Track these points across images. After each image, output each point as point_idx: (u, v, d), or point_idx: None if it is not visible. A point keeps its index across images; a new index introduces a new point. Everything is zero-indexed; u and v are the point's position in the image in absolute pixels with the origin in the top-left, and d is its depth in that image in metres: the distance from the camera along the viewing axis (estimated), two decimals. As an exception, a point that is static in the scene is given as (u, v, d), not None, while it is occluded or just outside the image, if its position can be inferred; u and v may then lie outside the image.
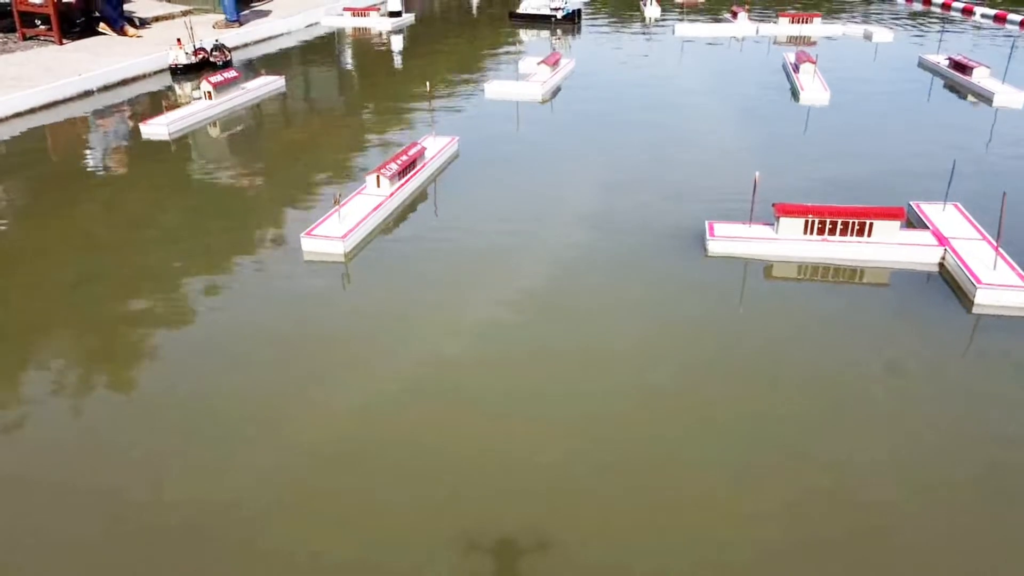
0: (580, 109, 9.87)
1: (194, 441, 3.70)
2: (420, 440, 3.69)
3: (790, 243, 5.41)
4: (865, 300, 5.10)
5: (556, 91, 10.71)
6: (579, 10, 16.45)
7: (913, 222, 5.79)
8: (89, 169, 7.79)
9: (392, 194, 6.38)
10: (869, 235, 5.36)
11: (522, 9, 16.97)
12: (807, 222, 5.38)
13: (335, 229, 5.64)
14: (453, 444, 3.66)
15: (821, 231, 5.40)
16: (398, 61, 14.16)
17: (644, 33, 16.24)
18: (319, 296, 5.07)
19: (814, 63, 10.46)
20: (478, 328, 4.67)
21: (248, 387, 4.12)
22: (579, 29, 16.17)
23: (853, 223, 5.35)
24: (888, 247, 5.33)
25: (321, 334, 4.60)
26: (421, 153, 7.10)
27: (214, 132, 9.09)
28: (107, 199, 6.95)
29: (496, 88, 10.34)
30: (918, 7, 18.96)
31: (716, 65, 12.53)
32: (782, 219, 5.41)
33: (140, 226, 6.26)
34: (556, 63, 11.18)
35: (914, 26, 16.33)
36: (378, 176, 6.39)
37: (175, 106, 9.42)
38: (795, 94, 10.19)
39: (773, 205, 5.49)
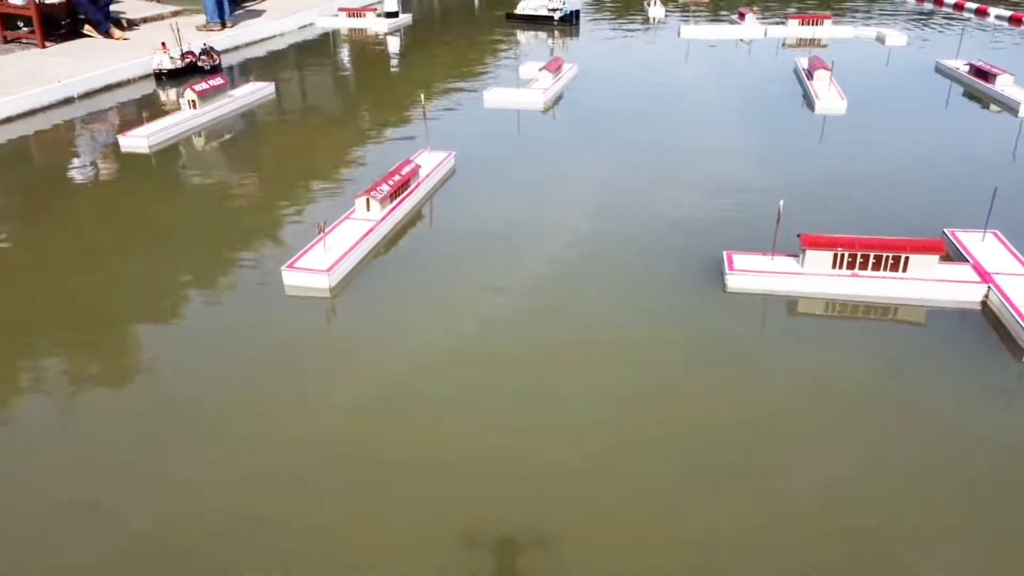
0: (584, 119, 9.38)
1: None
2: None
3: (817, 278, 4.94)
4: (900, 342, 4.64)
5: (558, 98, 10.24)
6: (577, 12, 15.98)
7: (950, 253, 5.31)
8: (57, 188, 7.28)
9: (383, 218, 5.91)
10: (904, 270, 4.89)
11: (519, 10, 16.50)
12: (836, 255, 4.91)
13: (320, 261, 5.17)
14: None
15: (851, 265, 4.93)
16: (394, 64, 13.67)
17: (648, 35, 15.75)
18: (299, 343, 4.60)
19: (829, 70, 9.98)
20: (476, 382, 4.20)
21: (205, 463, 3.66)
22: (577, 31, 15.68)
23: (886, 257, 4.88)
24: (925, 284, 4.86)
25: (297, 395, 4.10)
26: (415, 172, 6.62)
27: (198, 144, 8.61)
28: (70, 226, 6.41)
29: (495, 96, 9.86)
30: (929, 7, 18.46)
31: (724, 70, 12.04)
32: (808, 252, 4.93)
33: (102, 257, 5.75)
34: (558, 69, 10.70)
35: (927, 27, 15.84)
36: (368, 199, 5.92)
37: (164, 113, 8.93)
38: (810, 102, 9.70)
39: (799, 236, 5.02)
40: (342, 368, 4.32)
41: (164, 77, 11.12)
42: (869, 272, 4.93)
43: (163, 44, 11.21)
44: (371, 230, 5.72)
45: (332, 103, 10.57)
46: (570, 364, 4.34)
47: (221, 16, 14.15)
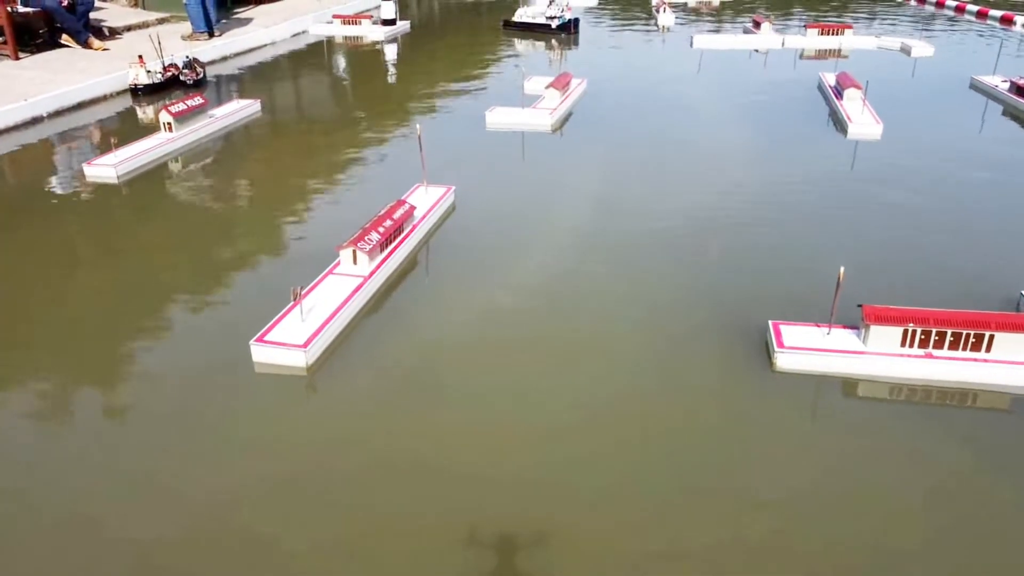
0: (595, 143, 8.61)
1: None
2: None
3: (883, 359, 4.16)
4: (982, 435, 3.86)
5: (567, 117, 9.47)
6: (576, 20, 15.21)
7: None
8: (5, 227, 6.45)
9: (372, 273, 5.13)
10: (988, 350, 4.12)
11: (517, 17, 15.75)
12: (906, 332, 4.13)
13: (295, 333, 4.39)
14: None
15: (924, 343, 4.15)
16: (391, 76, 12.90)
17: (660, 44, 14.99)
18: (266, 440, 3.82)
19: (861, 88, 9.20)
20: (481, 483, 3.43)
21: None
22: (576, 40, 14.92)
23: (967, 335, 4.10)
24: (1016, 368, 4.08)
25: (249, 535, 3.32)
26: (409, 214, 5.85)
27: (173, 172, 7.82)
28: (8, 278, 5.61)
29: (498, 117, 9.09)
30: (950, 14, 17.69)
31: (743, 85, 11.25)
32: (873, 327, 4.15)
33: (30, 326, 4.92)
34: (566, 86, 9.93)
35: (951, 36, 15.07)
36: (354, 251, 5.14)
37: (138, 136, 8.14)
38: (840, 125, 8.92)
39: (861, 308, 4.24)
40: (317, 473, 3.54)
41: (141, 93, 10.34)
42: (946, 352, 4.15)
43: (140, 57, 10.42)
44: (357, 288, 4.94)
45: (322, 123, 9.78)
46: (587, 447, 3.59)
47: (208, 25, 13.37)
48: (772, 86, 11.20)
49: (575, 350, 4.52)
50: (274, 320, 4.50)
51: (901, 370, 4.15)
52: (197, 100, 8.72)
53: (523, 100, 9.25)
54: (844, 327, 4.38)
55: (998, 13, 16.42)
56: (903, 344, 4.17)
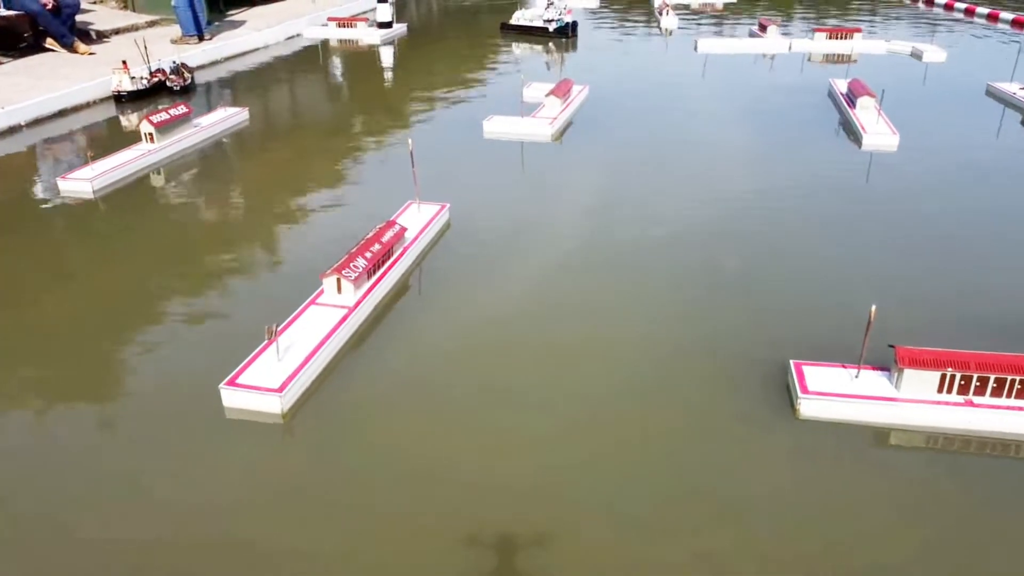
0: (597, 153, 8.21)
1: None
2: None
3: (919, 407, 3.76)
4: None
5: (568, 125, 9.08)
6: (575, 23, 14.81)
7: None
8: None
9: (358, 303, 4.74)
10: (1034, 397, 3.72)
11: (515, 20, 15.35)
12: (944, 377, 3.74)
13: (270, 374, 4.00)
14: None
15: (964, 389, 3.76)
16: (386, 82, 12.48)
17: (663, 48, 14.59)
18: (236, 493, 3.43)
19: (875, 97, 8.80)
20: (475, 547, 3.04)
21: None
22: (575, 44, 14.52)
23: (1013, 381, 3.71)
24: (1065, 417, 3.70)
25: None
26: (399, 236, 5.45)
27: (153, 186, 7.44)
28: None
29: (496, 126, 8.69)
30: (959, 16, 17.29)
31: (750, 91, 10.85)
32: (907, 371, 3.76)
33: None
34: (567, 93, 9.53)
35: (962, 40, 14.66)
36: (339, 279, 4.75)
37: (120, 146, 7.75)
38: (854, 135, 8.52)
39: (894, 350, 3.85)
40: (291, 534, 3.14)
41: (125, 100, 9.94)
42: (988, 399, 3.76)
43: (124, 63, 10.02)
44: (342, 321, 4.54)
45: (313, 132, 9.37)
46: (598, 514, 3.20)
47: (198, 28, 12.97)
48: (780, 93, 10.80)
49: (579, 401, 4.12)
50: (248, 359, 4.10)
51: (938, 419, 3.76)
52: (181, 109, 8.32)
53: (522, 108, 8.84)
54: (873, 368, 3.98)
55: (1009, 16, 16.02)
56: (940, 390, 3.78)
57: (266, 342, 4.09)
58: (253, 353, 4.15)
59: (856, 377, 3.93)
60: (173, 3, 12.68)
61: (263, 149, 8.75)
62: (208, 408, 3.93)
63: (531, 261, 5.64)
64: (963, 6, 17.68)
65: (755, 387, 4.10)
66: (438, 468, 3.55)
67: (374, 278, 5.02)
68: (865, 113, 8.71)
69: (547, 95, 9.25)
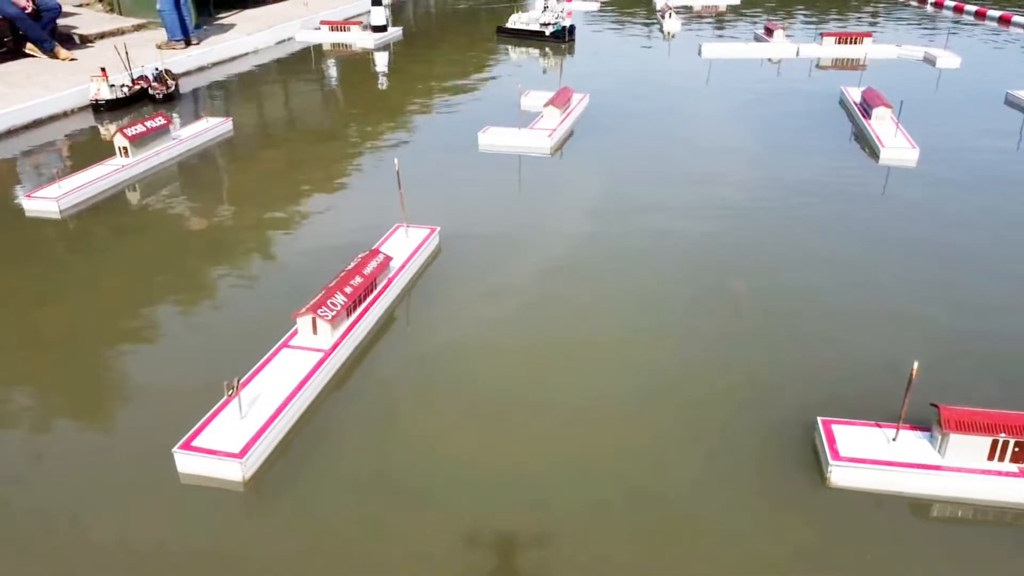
0: (599, 167, 7.78)
1: None
2: None
3: (968, 477, 3.31)
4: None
5: (568, 136, 8.64)
6: (572, 27, 14.36)
7: None
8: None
9: (336, 345, 4.29)
10: (1100, 467, 3.27)
11: (511, 24, 14.91)
12: (997, 444, 3.29)
13: (231, 435, 3.54)
14: None
15: (1019, 457, 3.31)
16: (379, 88, 12.02)
17: (666, 53, 14.15)
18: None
19: (891, 107, 8.35)
20: None
21: None
22: (572, 49, 14.08)
23: (1074, 448, 3.26)
24: None
25: None
26: (384, 267, 5.00)
27: (126, 203, 6.99)
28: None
29: (492, 138, 8.25)
30: (969, 19, 16.85)
31: (758, 100, 10.40)
32: (953, 436, 3.31)
33: None
34: (567, 103, 9.08)
35: (974, 43, 14.21)
36: (314, 318, 4.29)
37: (94, 161, 7.30)
38: (870, 147, 8.07)
39: (937, 411, 3.39)
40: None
41: (104, 109, 9.49)
42: (1047, 468, 3.31)
43: (103, 70, 9.57)
44: (317, 366, 4.09)
45: (300, 145, 8.90)
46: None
47: (184, 33, 12.52)
48: (789, 101, 10.35)
49: (580, 449, 3.67)
50: (207, 416, 3.65)
51: (989, 490, 3.31)
52: (158, 120, 7.87)
53: (520, 117, 8.38)
54: (912, 427, 3.53)
55: (1022, 19, 15.57)
56: (991, 457, 3.33)
57: (224, 399, 3.63)
58: (213, 409, 3.69)
59: (894, 440, 3.47)
60: (158, 7, 12.22)
61: (246, 163, 8.29)
62: (162, 473, 3.48)
63: (528, 293, 5.18)
64: (973, 8, 17.23)
65: (777, 448, 3.65)
66: (425, 545, 3.10)
67: (355, 315, 4.57)
68: (881, 124, 8.26)
69: (545, 105, 8.80)
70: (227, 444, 3.47)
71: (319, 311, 4.28)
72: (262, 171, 7.91)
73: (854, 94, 9.54)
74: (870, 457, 3.39)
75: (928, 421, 3.53)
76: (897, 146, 7.74)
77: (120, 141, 7.39)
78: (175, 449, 3.46)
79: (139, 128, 7.57)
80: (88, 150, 8.27)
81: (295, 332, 4.36)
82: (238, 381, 3.58)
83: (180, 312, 5.01)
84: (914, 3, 19.47)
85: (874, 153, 7.88)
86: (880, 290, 5.18)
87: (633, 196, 6.92)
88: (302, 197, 6.97)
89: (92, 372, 4.38)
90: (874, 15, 18.12)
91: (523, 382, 4.22)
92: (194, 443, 3.49)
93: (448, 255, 5.76)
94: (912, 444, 3.47)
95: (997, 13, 16.37)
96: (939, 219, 6.42)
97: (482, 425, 3.84)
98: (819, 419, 3.64)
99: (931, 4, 18.89)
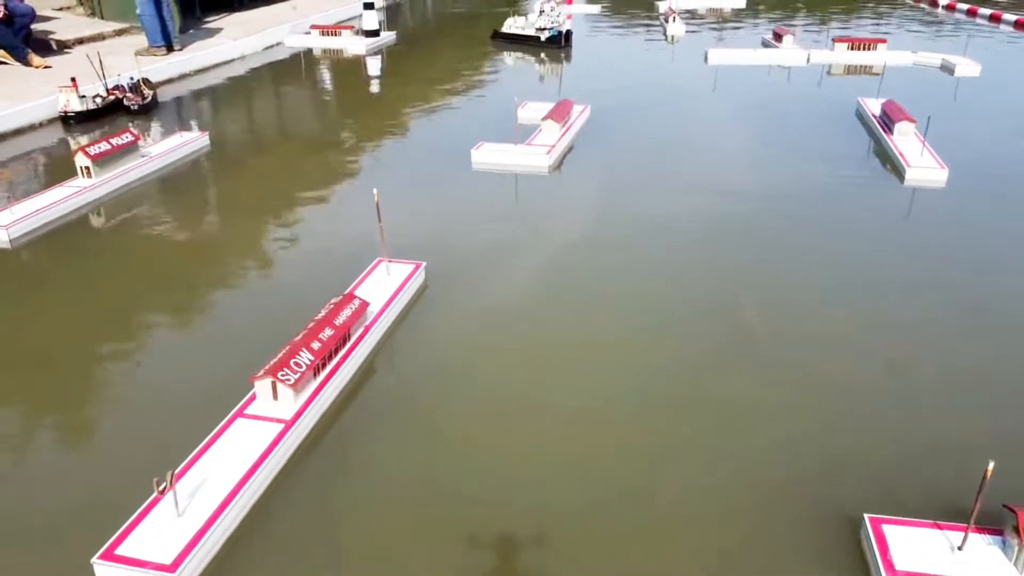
0: (601, 187, 7.21)
1: None
2: None
3: (1053, 597, 2.73)
4: None
5: (568, 152, 8.06)
6: (569, 32, 13.79)
7: None
8: None
9: (300, 412, 3.71)
10: None
11: (506, 28, 14.33)
12: (1089, 559, 2.71)
13: (163, 539, 2.96)
14: None
15: (1115, 574, 2.72)
16: (369, 98, 11.45)
17: (670, 59, 13.56)
18: None
19: (914, 122, 7.78)
20: None
21: None
22: (569, 55, 13.50)
23: None
24: None
25: None
26: (360, 314, 4.41)
27: (90, 228, 6.43)
28: None
29: (487, 156, 7.67)
30: (983, 23, 16.27)
31: (769, 111, 9.84)
32: (1035, 548, 2.73)
33: None
34: (566, 116, 8.51)
35: (988, 48, 13.62)
36: (274, 382, 3.71)
37: (77, 172, 6.72)
38: (893, 166, 7.49)
39: (1014, 514, 2.82)
40: None
41: (74, 122, 8.91)
42: None
43: (72, 80, 8.98)
44: (278, 440, 3.52)
45: (281, 162, 8.29)
46: None
47: (166, 38, 11.93)
48: (803, 114, 9.78)
49: (582, 537, 3.09)
50: (136, 514, 3.06)
51: (1079, 614, 2.73)
52: (125, 137, 7.29)
53: (517, 131, 7.77)
54: (978, 530, 2.95)
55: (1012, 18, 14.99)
56: (1082, 574, 2.75)
57: (154, 496, 3.04)
58: (145, 504, 3.10)
59: (960, 548, 2.89)
60: (138, 11, 11.65)
61: (220, 183, 7.71)
62: (82, 583, 2.90)
63: (526, 340, 4.60)
64: (988, 12, 16.65)
65: (813, 550, 3.07)
66: None
67: (325, 373, 3.99)
68: (905, 141, 7.68)
69: (544, 119, 8.22)
70: (158, 551, 2.89)
71: (280, 373, 3.70)
72: (236, 193, 7.32)
73: (872, 106, 8.96)
74: (933, 571, 2.81)
75: (999, 522, 2.95)
76: (924, 165, 7.15)
77: (81, 160, 6.82)
78: (94, 559, 2.88)
79: (103, 146, 7.00)
80: (54, 168, 7.70)
81: (253, 397, 3.78)
82: (172, 475, 2.99)
83: (123, 370, 4.41)
84: (924, 6, 18.89)
85: (898, 172, 7.29)
86: (930, 349, 4.57)
87: (638, 220, 6.34)
88: (277, 226, 6.38)
89: (19, 441, 3.80)
90: (878, 17, 17.53)
91: (524, 444, 3.64)
92: (118, 551, 2.90)
93: (435, 294, 5.18)
94: (980, 552, 2.89)
95: (1013, 17, 15.78)
96: (983, 259, 5.72)
97: (478, 525, 3.25)
98: (867, 517, 3.05)
99: (943, 7, 18.31)
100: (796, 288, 5.26)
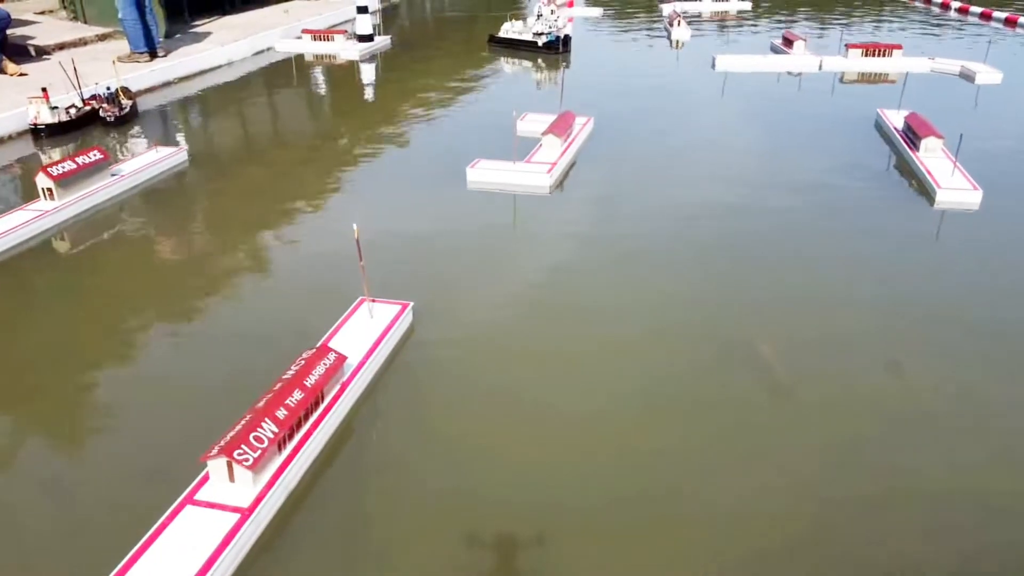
0: (606, 209, 6.68)
1: None
2: None
3: None
4: None
5: (570, 167, 7.53)
6: (568, 37, 13.25)
7: None
8: None
9: (260, 499, 3.17)
10: None
11: (503, 33, 13.79)
12: None
13: None
14: None
15: None
16: (359, 108, 10.86)
17: (675, 64, 13.01)
18: None
19: (942, 139, 7.24)
20: None
21: None
22: (567, 60, 12.96)
23: None
24: None
25: None
26: (335, 370, 3.88)
27: (47, 258, 5.90)
28: None
29: (483, 174, 7.14)
30: (998, 26, 15.72)
31: (783, 123, 9.31)
32: None
33: None
34: (568, 129, 7.97)
35: (1005, 52, 13.07)
36: (229, 463, 3.18)
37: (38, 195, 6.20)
38: (922, 186, 6.96)
39: None
40: None
41: (44, 135, 8.36)
42: None
43: (44, 90, 8.44)
44: (230, 536, 2.98)
45: (260, 180, 7.66)
46: None
47: (149, 44, 11.38)
48: (817, 124, 9.23)
49: None
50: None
51: None
52: (93, 155, 6.76)
53: (516, 146, 7.21)
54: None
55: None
56: None
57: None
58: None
59: None
60: (120, 15, 11.10)
61: (196, 204, 7.17)
62: None
63: (528, 391, 4.08)
64: (1004, 15, 16.10)
65: None
66: None
67: (291, 447, 3.46)
68: (932, 158, 7.14)
69: (544, 133, 7.68)
70: None
71: (236, 452, 3.17)
72: (213, 216, 6.78)
73: (894, 118, 8.42)
74: None
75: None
76: (955, 186, 6.62)
77: (43, 182, 6.29)
78: None
79: (68, 165, 6.47)
80: (17, 187, 7.18)
81: (205, 478, 3.25)
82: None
83: (64, 440, 3.88)
84: (935, 8, 18.34)
85: (927, 193, 6.75)
86: (969, 400, 4.07)
87: (649, 251, 5.81)
88: (253, 253, 5.86)
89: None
90: (881, 16, 16.98)
91: (521, 508, 3.11)
92: None
93: (424, 338, 4.64)
94: None
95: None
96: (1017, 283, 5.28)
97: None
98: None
99: (955, 10, 17.77)
100: (835, 331, 4.73)
